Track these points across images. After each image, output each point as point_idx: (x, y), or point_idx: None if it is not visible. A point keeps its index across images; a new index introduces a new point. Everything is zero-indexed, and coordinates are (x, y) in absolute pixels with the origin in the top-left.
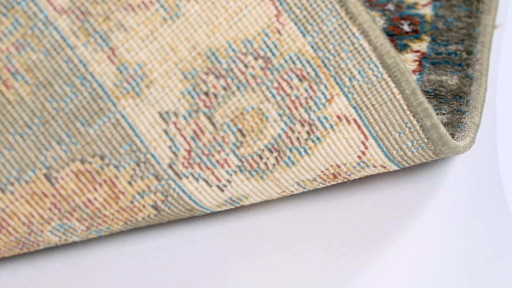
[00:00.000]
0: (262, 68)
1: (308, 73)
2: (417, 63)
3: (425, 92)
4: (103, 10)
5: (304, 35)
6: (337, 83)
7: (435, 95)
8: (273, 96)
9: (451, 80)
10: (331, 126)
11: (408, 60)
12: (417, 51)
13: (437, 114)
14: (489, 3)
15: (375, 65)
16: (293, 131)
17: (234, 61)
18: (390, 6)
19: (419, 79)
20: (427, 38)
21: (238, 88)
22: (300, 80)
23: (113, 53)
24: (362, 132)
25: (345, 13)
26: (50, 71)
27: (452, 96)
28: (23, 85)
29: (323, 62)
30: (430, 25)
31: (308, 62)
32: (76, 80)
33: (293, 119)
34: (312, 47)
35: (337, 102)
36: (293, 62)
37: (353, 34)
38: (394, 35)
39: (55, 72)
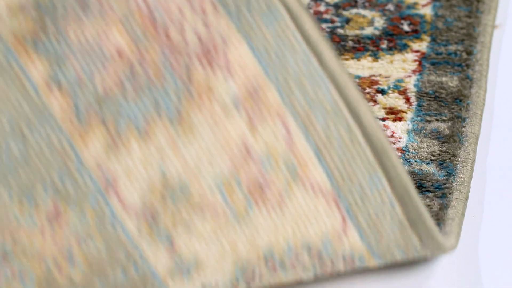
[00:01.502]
0: (313, 264)
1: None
2: (417, 63)
3: (426, 94)
4: (172, 213)
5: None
6: None
7: (435, 97)
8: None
9: (451, 81)
10: None
11: (408, 60)
12: (417, 51)
13: (438, 120)
14: (489, 3)
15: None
16: None
17: (288, 256)
18: (390, 6)
19: (419, 79)
20: (427, 38)
21: (282, 268)
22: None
23: (173, 247)
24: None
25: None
26: (107, 261)
27: (452, 99)
28: (77, 272)
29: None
30: (430, 25)
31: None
32: (131, 267)
33: None
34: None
35: None
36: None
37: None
38: (394, 35)
39: (110, 260)
